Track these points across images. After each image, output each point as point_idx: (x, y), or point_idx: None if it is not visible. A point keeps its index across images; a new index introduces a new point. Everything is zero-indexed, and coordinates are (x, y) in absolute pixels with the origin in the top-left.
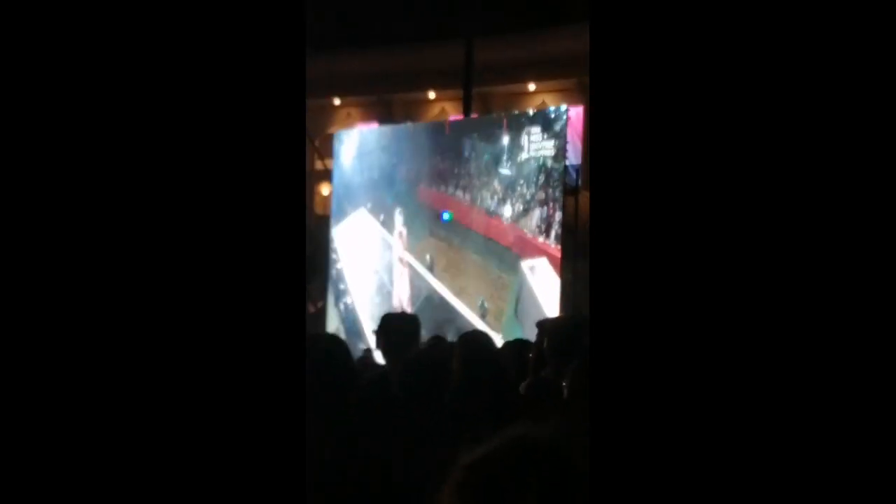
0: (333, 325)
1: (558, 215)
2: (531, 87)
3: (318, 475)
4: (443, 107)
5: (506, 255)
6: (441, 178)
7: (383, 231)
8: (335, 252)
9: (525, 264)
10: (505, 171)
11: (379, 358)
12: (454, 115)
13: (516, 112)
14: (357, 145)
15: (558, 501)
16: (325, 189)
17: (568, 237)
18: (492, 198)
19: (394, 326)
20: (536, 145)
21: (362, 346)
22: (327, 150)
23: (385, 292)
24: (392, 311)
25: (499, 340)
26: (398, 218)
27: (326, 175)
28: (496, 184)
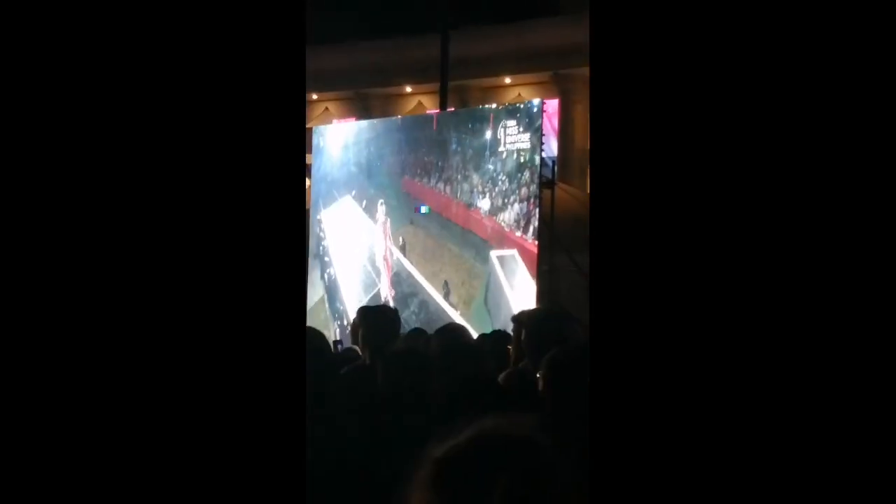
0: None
1: (535, 209)
2: (507, 80)
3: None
4: (419, 100)
5: (481, 245)
6: (424, 169)
7: (366, 217)
8: (322, 234)
9: (495, 254)
10: (485, 163)
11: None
12: (431, 109)
13: (497, 106)
14: (343, 138)
15: (530, 493)
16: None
17: (544, 230)
18: (473, 190)
19: (372, 319)
20: (513, 139)
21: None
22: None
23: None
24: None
25: (468, 325)
26: (381, 207)
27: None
28: (475, 177)
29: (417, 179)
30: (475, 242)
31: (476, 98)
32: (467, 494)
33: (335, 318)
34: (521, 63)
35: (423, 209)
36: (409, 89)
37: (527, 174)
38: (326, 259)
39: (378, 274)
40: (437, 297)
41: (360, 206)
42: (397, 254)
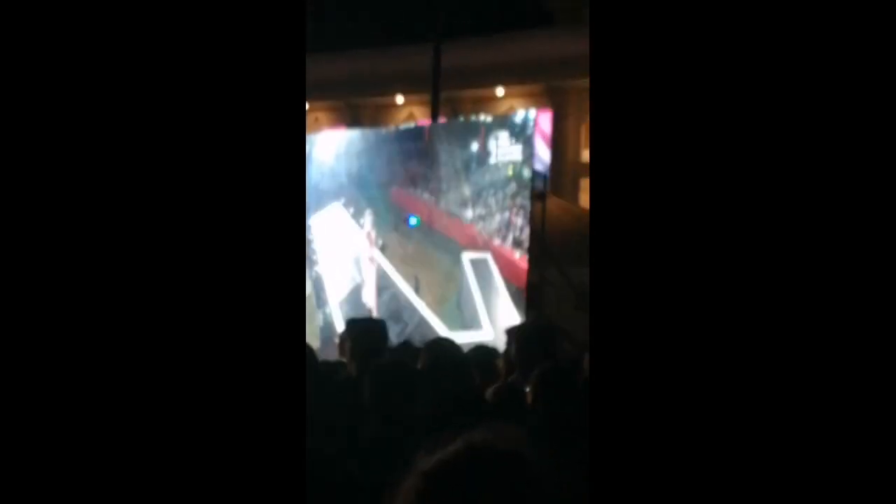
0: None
1: (518, 218)
2: (499, 91)
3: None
4: (411, 111)
5: (459, 251)
6: (412, 181)
7: (354, 224)
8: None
9: (468, 256)
10: (475, 175)
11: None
12: (422, 120)
13: (489, 117)
14: (335, 146)
15: None
16: None
17: (535, 241)
18: (461, 201)
19: (360, 332)
20: (504, 150)
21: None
22: None
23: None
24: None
25: (440, 325)
26: (368, 217)
27: None
28: (465, 187)
29: (407, 190)
30: (454, 249)
31: (468, 109)
32: None
33: (319, 308)
34: (514, 74)
35: (413, 220)
36: (400, 99)
37: (515, 185)
38: (314, 258)
39: (360, 272)
40: (410, 292)
41: (349, 213)
42: (378, 256)
